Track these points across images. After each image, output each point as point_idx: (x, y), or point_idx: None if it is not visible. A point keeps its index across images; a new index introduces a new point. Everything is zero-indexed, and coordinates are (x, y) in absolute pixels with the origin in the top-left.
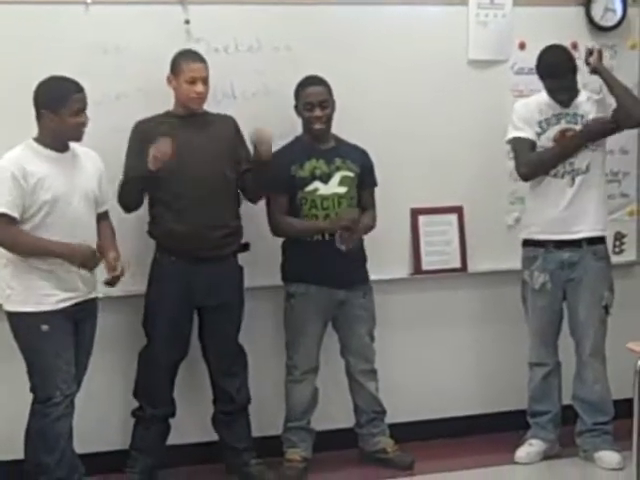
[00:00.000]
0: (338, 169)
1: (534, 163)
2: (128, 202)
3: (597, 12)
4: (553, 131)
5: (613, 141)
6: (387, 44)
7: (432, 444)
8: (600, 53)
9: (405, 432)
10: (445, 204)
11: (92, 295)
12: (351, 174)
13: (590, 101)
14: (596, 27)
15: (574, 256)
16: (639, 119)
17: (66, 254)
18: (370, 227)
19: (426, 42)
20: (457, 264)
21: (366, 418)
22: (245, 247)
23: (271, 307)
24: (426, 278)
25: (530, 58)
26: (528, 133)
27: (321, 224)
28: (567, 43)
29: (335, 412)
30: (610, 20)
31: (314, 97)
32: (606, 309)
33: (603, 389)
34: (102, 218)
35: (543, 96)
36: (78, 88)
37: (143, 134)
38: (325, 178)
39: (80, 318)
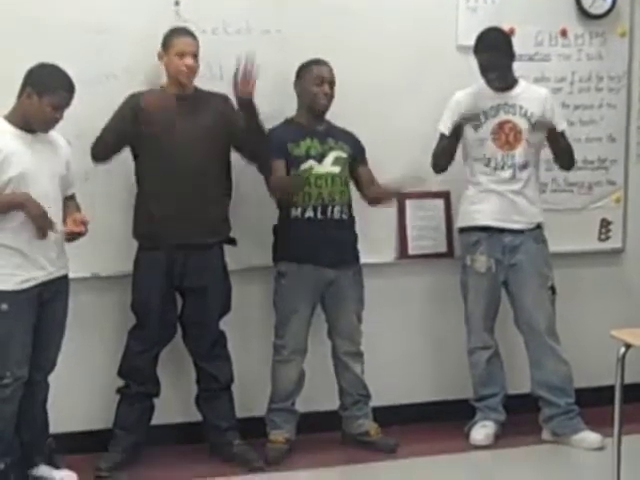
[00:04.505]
0: (331, 149)
1: (434, 160)
2: (103, 145)
3: None
4: (491, 124)
5: (601, 129)
6: (376, 28)
7: (415, 428)
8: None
9: (389, 415)
10: (432, 189)
11: (60, 273)
12: (344, 154)
13: (530, 94)
14: (586, 14)
15: (515, 240)
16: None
17: (22, 203)
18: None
19: (416, 27)
20: (443, 249)
21: (350, 400)
22: (232, 241)
23: (257, 288)
24: (412, 262)
25: (519, 44)
26: (447, 127)
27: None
28: (557, 30)
29: (319, 394)
30: (600, 7)
31: (325, 74)
32: (553, 290)
33: (567, 369)
34: (69, 199)
35: (481, 86)
36: (70, 87)
37: (135, 104)
38: (319, 157)
39: (48, 298)
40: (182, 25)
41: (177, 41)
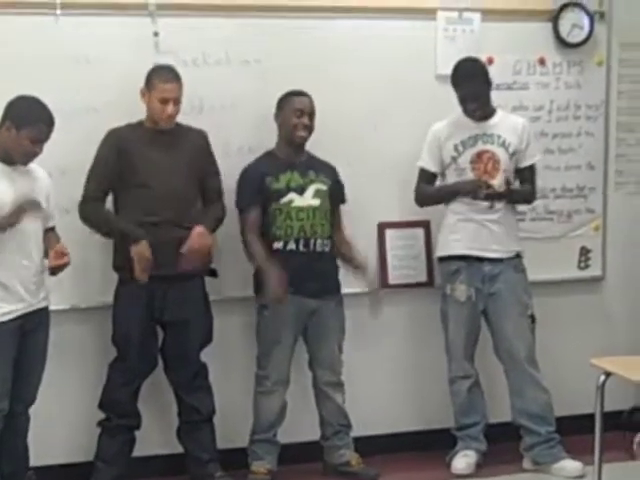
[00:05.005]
0: (312, 182)
1: (421, 198)
2: (94, 207)
3: (564, 28)
4: (470, 153)
5: (579, 156)
6: (355, 58)
7: (397, 457)
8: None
9: (370, 445)
10: (412, 218)
11: (40, 305)
12: (324, 187)
13: (508, 123)
14: (563, 43)
15: (495, 269)
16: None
17: (10, 215)
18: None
19: (395, 57)
20: (423, 278)
21: (331, 431)
22: (213, 273)
23: (238, 319)
24: (393, 292)
25: (498, 73)
26: (426, 162)
27: (272, 270)
28: (535, 58)
29: (300, 425)
30: (577, 36)
31: (305, 106)
32: (532, 318)
33: (547, 397)
34: (50, 231)
35: (458, 116)
36: (50, 121)
37: (115, 141)
38: (300, 190)
39: (28, 329)
40: (160, 59)
41: (160, 86)
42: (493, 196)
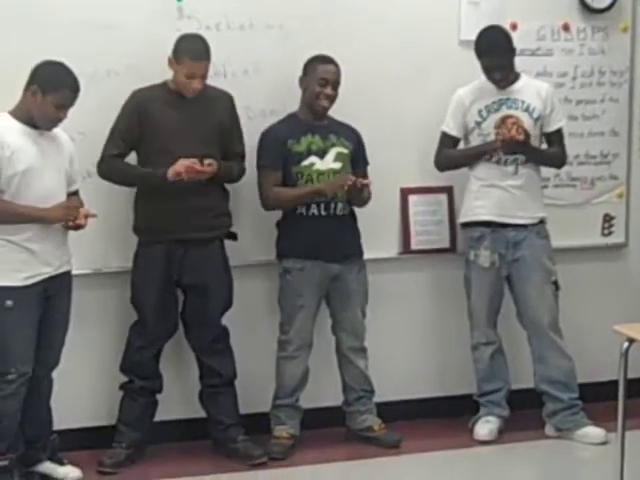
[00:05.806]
0: (333, 145)
1: (443, 162)
2: (113, 181)
3: None
4: (494, 118)
5: (603, 123)
6: (378, 24)
7: (419, 423)
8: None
9: (392, 411)
10: (435, 184)
11: (63, 269)
12: (345, 150)
13: (532, 88)
14: (588, 8)
15: (519, 235)
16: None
17: (42, 216)
18: (367, 199)
19: (418, 22)
20: (446, 244)
21: (354, 396)
22: (232, 236)
23: (260, 284)
24: (415, 258)
25: (522, 39)
26: (450, 127)
27: (314, 186)
28: (559, 24)
29: (323, 390)
30: (602, 2)
31: (331, 75)
32: (556, 285)
33: (571, 364)
34: (73, 195)
35: (482, 82)
36: (75, 87)
37: (137, 104)
38: (321, 153)
39: (52, 294)
40: (183, 24)
41: (189, 64)
42: (511, 143)
